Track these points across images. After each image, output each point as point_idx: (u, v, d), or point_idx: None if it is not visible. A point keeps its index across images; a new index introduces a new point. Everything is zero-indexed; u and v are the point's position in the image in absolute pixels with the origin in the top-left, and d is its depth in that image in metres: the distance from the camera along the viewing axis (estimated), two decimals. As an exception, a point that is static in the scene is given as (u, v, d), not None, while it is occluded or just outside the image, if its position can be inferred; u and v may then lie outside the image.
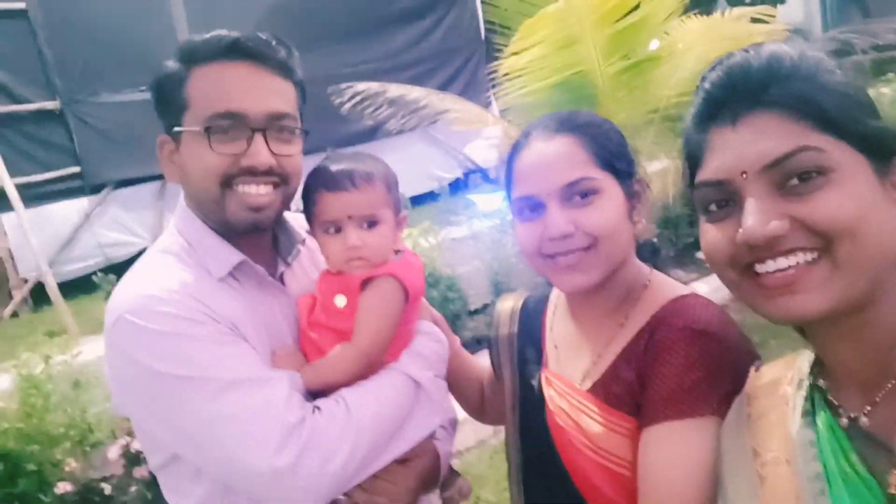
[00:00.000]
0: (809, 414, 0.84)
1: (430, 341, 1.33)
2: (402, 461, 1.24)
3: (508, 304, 1.43)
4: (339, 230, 1.24)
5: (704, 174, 0.81)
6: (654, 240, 1.34)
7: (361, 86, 4.08)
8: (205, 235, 1.22)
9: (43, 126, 6.30)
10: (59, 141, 6.35)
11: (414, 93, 4.17)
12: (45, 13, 6.10)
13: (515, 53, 3.53)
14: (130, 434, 3.46)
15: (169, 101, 1.19)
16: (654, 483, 1.01)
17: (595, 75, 3.49)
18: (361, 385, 1.20)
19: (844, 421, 0.80)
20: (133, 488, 3.40)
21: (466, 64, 8.28)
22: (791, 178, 0.74)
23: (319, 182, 1.24)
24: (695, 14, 4.02)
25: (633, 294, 1.17)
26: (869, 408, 0.78)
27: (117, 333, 1.11)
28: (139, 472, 3.37)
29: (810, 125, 0.74)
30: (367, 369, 1.22)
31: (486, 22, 7.43)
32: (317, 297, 1.29)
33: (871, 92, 0.81)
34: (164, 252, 1.22)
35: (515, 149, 1.18)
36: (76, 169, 6.42)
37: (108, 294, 5.80)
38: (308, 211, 1.28)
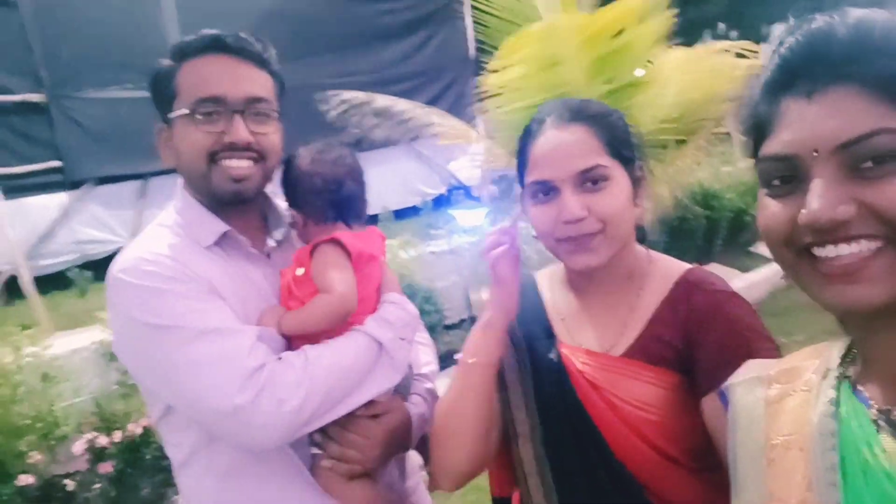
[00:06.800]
0: (835, 404, 0.81)
1: (397, 309, 1.43)
2: (372, 416, 1.37)
3: None
4: None
5: (771, 147, 0.75)
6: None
7: (348, 94, 4.12)
8: (195, 209, 1.39)
9: (26, 118, 6.22)
10: (41, 134, 6.28)
11: (400, 105, 4.22)
12: (35, 5, 6.08)
13: (495, 71, 3.57)
14: (98, 429, 3.42)
15: (163, 94, 1.35)
16: None
17: (579, 97, 3.52)
18: (325, 342, 1.33)
19: (874, 412, 0.76)
20: (97, 485, 3.35)
21: (454, 82, 8.35)
22: (865, 160, 0.69)
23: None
24: (678, 45, 4.10)
25: (639, 269, 1.28)
26: None
27: (111, 290, 1.28)
28: (104, 467, 3.33)
29: (893, 106, 0.68)
30: (342, 319, 1.35)
31: (476, 41, 7.53)
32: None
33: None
34: (160, 225, 1.40)
35: (529, 134, 1.25)
36: (57, 163, 6.35)
37: (83, 290, 5.69)
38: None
